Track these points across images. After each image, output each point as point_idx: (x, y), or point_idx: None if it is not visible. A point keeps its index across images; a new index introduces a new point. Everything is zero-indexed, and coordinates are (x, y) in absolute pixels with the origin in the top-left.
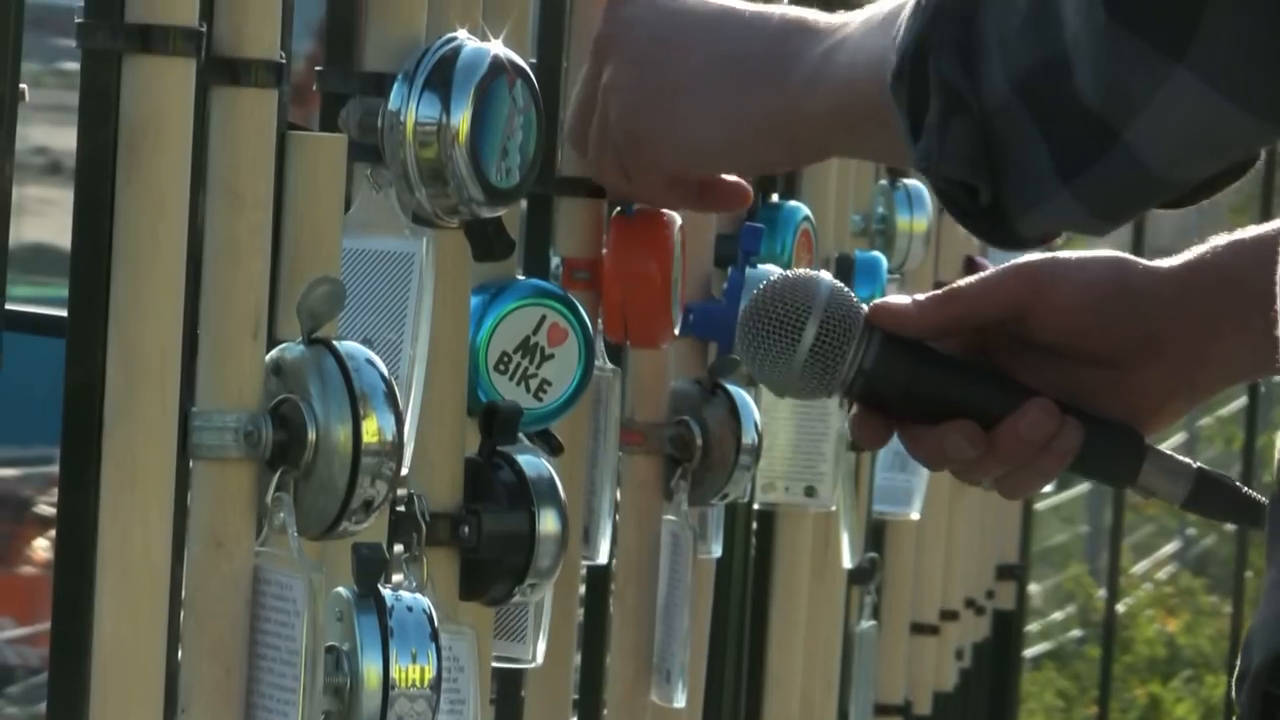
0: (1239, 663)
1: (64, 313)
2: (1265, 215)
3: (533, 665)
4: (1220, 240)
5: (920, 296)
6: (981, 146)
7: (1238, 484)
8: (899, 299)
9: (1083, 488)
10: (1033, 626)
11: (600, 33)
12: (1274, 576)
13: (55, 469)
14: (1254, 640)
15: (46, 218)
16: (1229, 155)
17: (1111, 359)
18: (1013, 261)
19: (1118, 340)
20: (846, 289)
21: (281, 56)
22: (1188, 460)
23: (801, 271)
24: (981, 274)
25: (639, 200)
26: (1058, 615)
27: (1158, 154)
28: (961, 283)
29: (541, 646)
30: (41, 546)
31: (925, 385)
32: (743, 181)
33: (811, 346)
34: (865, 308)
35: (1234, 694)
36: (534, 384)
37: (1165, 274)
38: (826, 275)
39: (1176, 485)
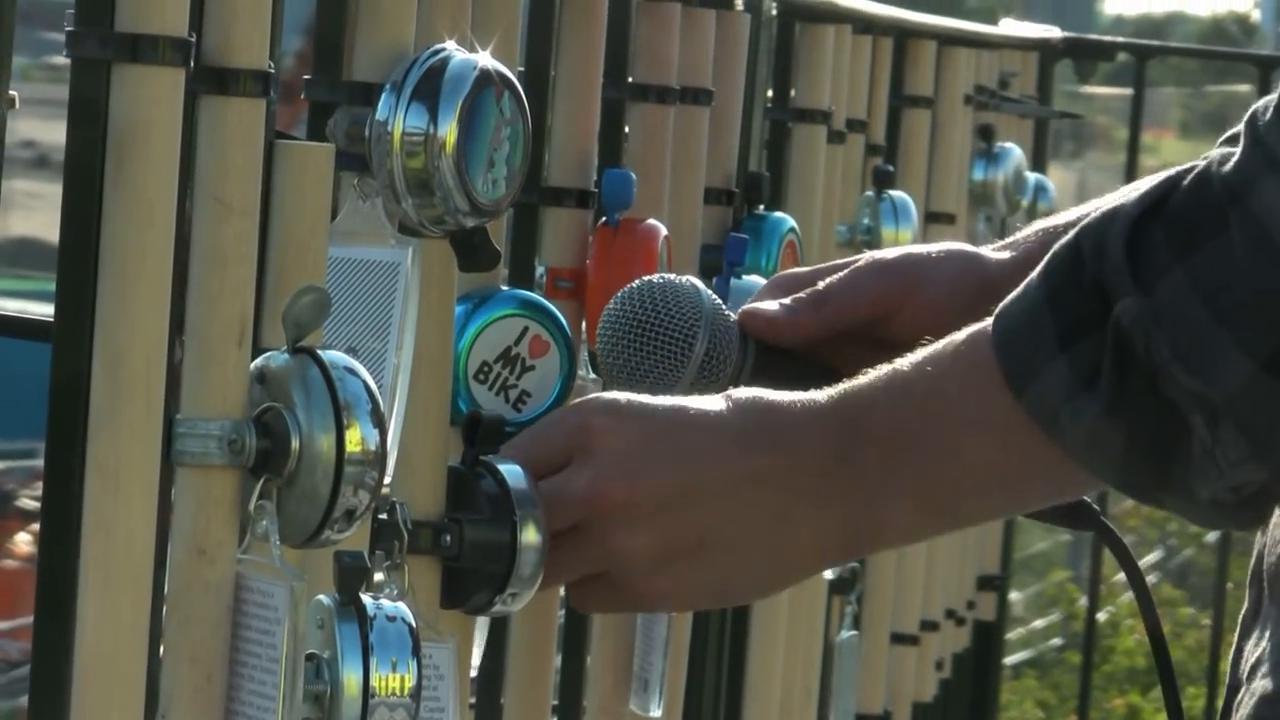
0: (1229, 677)
1: (49, 309)
2: None
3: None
4: (1042, 224)
5: (788, 301)
6: (1249, 440)
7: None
8: (768, 305)
9: None
10: (1014, 634)
11: (596, 489)
12: None
13: (39, 463)
14: (1270, 669)
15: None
16: None
17: None
18: (866, 257)
19: None
20: (715, 295)
21: (270, 66)
22: None
23: (671, 277)
24: (848, 272)
25: (582, 607)
26: (1039, 623)
27: None
28: (830, 282)
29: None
30: (24, 540)
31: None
32: None
33: (701, 362)
34: (734, 316)
35: (1232, 708)
36: (513, 394)
37: (1012, 265)
38: (696, 281)
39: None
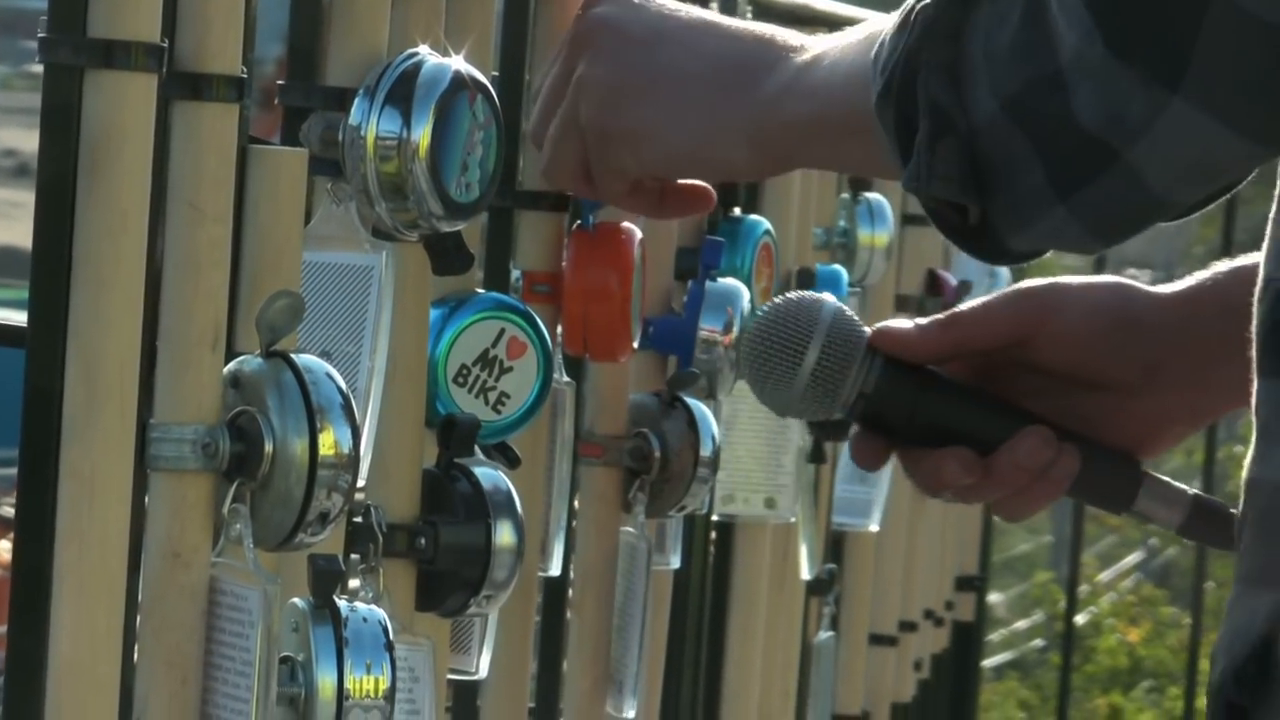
0: (1211, 675)
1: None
2: (1229, 222)
3: (477, 677)
4: (1222, 266)
5: (923, 321)
6: (970, 165)
7: (1232, 510)
8: (901, 323)
9: None
10: (995, 636)
11: (574, 31)
12: (1236, 590)
13: (15, 472)
14: (1218, 652)
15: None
16: (1227, 177)
17: (1113, 385)
18: (1016, 286)
19: (1120, 367)
20: (850, 312)
21: (243, 71)
22: (1184, 487)
23: (807, 294)
24: (985, 299)
25: (599, 199)
26: (1021, 624)
27: (1159, 177)
28: (964, 307)
29: (486, 659)
30: (2, 548)
31: (925, 410)
32: (707, 186)
33: (813, 370)
34: (868, 331)
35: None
36: (492, 396)
37: (1167, 300)
38: (831, 298)
39: (1172, 512)
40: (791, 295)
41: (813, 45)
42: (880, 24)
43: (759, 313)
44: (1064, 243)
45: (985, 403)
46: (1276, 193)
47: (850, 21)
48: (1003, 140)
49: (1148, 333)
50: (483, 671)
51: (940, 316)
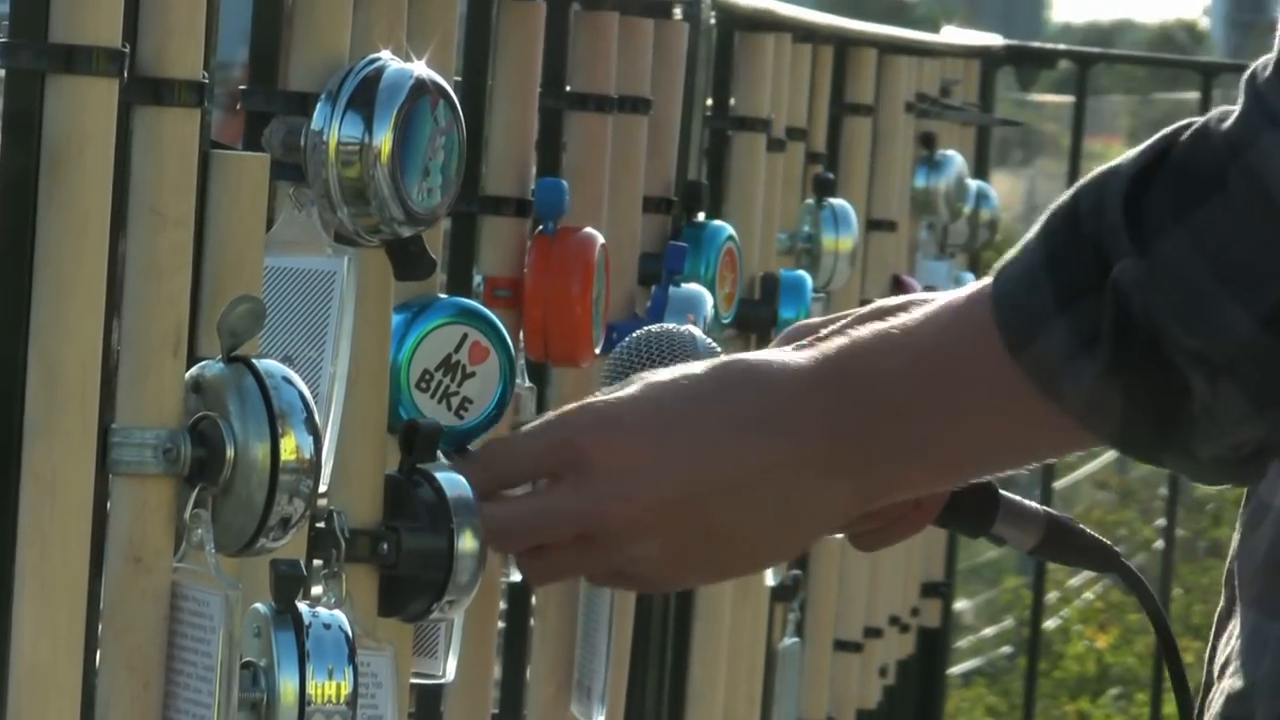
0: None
1: None
2: None
3: (445, 681)
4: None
5: (789, 348)
6: (1248, 397)
7: (1086, 530)
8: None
9: None
10: (964, 642)
11: (603, 510)
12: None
13: None
14: (1261, 687)
15: None
16: None
17: None
18: (873, 305)
19: None
20: (715, 345)
21: (205, 77)
22: (1038, 507)
23: (670, 326)
24: (845, 321)
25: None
26: (989, 631)
27: None
28: (831, 328)
29: (453, 663)
30: None
31: None
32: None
33: None
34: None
35: (1205, 706)
36: (455, 401)
37: None
38: (697, 330)
39: (1027, 534)
40: (654, 328)
41: (871, 366)
42: (970, 293)
43: (621, 345)
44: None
45: None
46: None
47: (815, 27)
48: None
49: None
50: (450, 676)
51: (809, 340)
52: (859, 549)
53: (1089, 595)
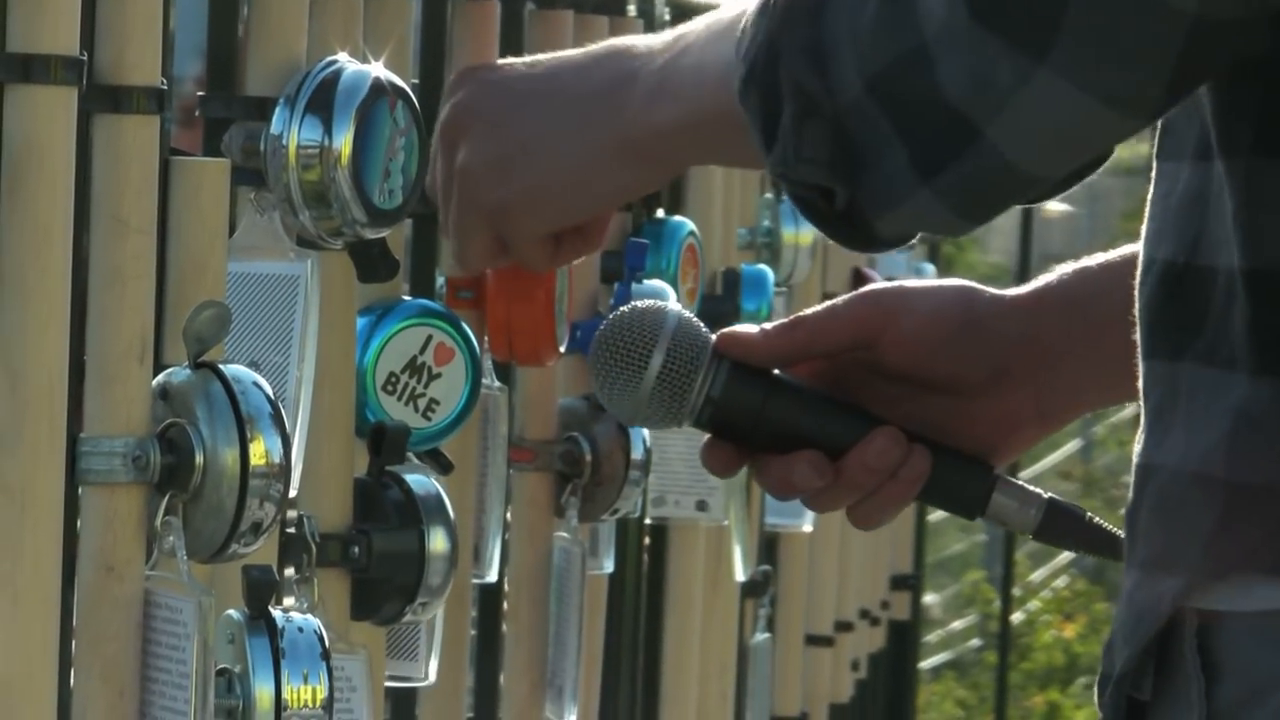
0: (1101, 666)
1: None
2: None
3: (425, 684)
4: (1068, 267)
5: (768, 325)
6: (837, 148)
7: (1088, 514)
8: (747, 328)
9: None
10: (932, 636)
11: (443, 124)
12: (1135, 577)
13: None
14: (1115, 644)
15: None
16: (1093, 150)
17: (959, 389)
18: (861, 290)
19: (965, 370)
20: (695, 319)
21: (163, 83)
22: (1038, 490)
23: (650, 302)
24: (831, 302)
25: (530, 269)
26: (957, 624)
27: (1021, 150)
28: (808, 311)
29: (434, 665)
30: None
31: (774, 414)
32: (595, 224)
33: (658, 375)
34: (714, 337)
35: (1097, 697)
36: (422, 403)
37: (1011, 303)
38: (675, 305)
39: (1026, 515)
40: (636, 304)
41: (667, 42)
42: (742, 7)
43: (604, 323)
44: (931, 225)
45: (834, 406)
46: (1152, 175)
47: None
48: (868, 121)
49: (992, 336)
50: (432, 678)
51: (785, 320)
52: (855, 524)
53: (1057, 584)
